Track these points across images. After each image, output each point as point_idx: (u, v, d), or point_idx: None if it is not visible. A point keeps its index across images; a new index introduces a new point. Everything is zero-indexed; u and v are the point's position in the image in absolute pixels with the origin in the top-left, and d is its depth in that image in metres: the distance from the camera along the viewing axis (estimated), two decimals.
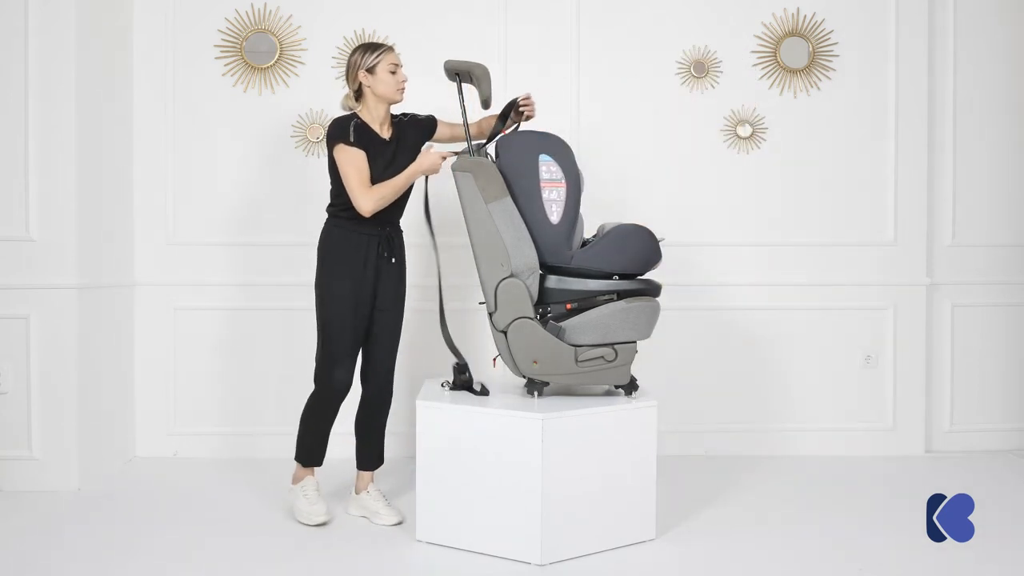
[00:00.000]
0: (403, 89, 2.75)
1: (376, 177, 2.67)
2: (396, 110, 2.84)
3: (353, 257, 2.69)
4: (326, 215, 2.79)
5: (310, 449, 2.80)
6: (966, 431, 3.80)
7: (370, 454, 2.87)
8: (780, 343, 3.70)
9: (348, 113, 2.75)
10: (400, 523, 2.74)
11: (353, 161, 2.62)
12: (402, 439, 3.59)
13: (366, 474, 2.87)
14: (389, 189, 2.64)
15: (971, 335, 3.80)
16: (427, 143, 2.84)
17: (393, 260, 2.77)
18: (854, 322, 3.70)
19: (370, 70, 2.70)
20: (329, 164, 2.73)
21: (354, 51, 2.74)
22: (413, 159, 2.71)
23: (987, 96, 3.77)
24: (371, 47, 2.73)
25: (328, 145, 2.69)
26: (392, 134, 2.76)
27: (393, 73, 2.71)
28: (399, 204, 2.76)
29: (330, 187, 2.77)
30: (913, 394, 3.71)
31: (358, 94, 2.75)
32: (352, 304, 2.69)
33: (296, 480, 2.82)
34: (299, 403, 3.54)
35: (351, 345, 2.72)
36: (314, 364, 2.76)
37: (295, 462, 2.84)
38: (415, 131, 2.84)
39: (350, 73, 2.73)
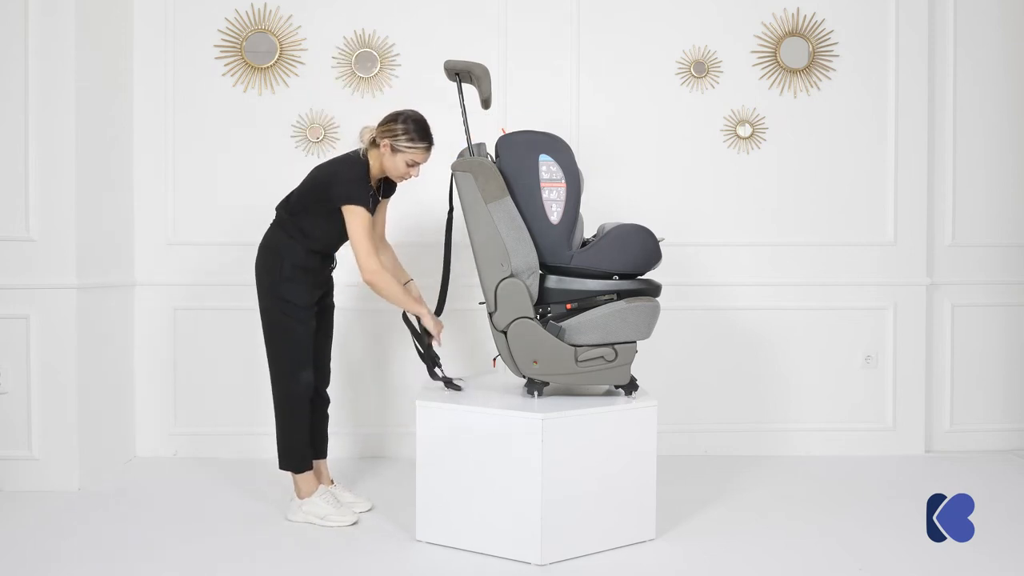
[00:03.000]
0: (404, 181, 2.79)
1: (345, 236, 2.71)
2: None
3: (313, 268, 2.74)
4: (276, 216, 2.77)
5: (301, 452, 2.77)
6: (966, 431, 3.80)
7: (325, 442, 2.94)
8: (780, 343, 3.70)
9: (362, 161, 2.70)
10: (371, 509, 2.86)
11: (364, 222, 2.62)
12: (402, 439, 3.59)
13: (323, 463, 2.92)
14: (393, 290, 2.65)
15: (971, 335, 3.80)
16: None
17: (332, 268, 2.88)
18: (854, 322, 3.70)
19: (395, 149, 2.66)
20: (311, 184, 2.71)
21: (406, 120, 2.66)
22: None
23: (987, 96, 3.77)
24: (420, 134, 2.66)
25: (338, 197, 2.61)
26: (378, 187, 2.82)
27: (409, 166, 2.70)
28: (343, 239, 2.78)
29: (294, 199, 2.74)
30: (913, 394, 3.71)
31: (373, 144, 2.71)
32: (314, 311, 2.77)
33: (305, 493, 2.77)
34: None
35: (311, 348, 2.77)
36: (269, 367, 2.76)
37: (291, 473, 2.79)
38: (387, 191, 2.89)
39: (384, 129, 2.66)
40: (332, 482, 2.93)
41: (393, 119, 2.67)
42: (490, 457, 2.46)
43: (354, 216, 2.61)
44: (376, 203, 2.79)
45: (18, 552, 2.49)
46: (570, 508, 2.43)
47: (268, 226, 2.81)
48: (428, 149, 2.70)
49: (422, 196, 3.46)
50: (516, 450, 2.41)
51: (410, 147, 2.65)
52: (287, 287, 2.69)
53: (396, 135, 2.64)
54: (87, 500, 2.99)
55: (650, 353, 3.33)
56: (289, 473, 2.80)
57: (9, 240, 3.08)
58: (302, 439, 2.77)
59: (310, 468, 2.79)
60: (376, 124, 2.72)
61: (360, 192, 2.63)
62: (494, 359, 2.84)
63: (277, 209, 2.79)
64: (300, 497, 2.78)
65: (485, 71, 2.71)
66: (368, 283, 2.65)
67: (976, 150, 3.77)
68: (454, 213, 2.82)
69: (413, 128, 2.66)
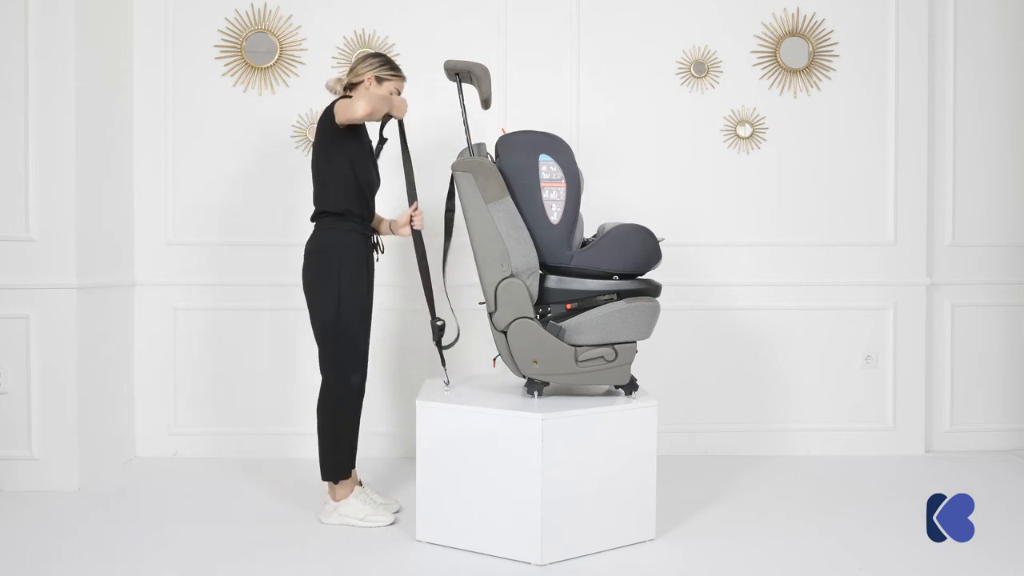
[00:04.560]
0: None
1: (365, 171, 2.72)
2: None
3: (363, 260, 2.72)
4: (316, 222, 2.73)
5: (343, 461, 2.72)
6: (966, 431, 3.80)
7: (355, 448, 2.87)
8: (780, 343, 3.70)
9: None
10: (401, 510, 2.84)
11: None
12: (402, 439, 3.59)
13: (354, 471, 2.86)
14: (379, 99, 2.60)
15: (971, 335, 3.80)
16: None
17: (377, 253, 2.85)
18: (854, 322, 3.70)
19: (380, 79, 2.75)
20: (319, 162, 2.69)
21: (376, 55, 2.79)
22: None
23: (987, 96, 3.77)
24: (393, 65, 2.79)
25: (329, 113, 2.62)
26: None
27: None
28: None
29: (316, 191, 2.72)
30: (913, 394, 3.71)
31: (348, 88, 2.78)
32: (367, 307, 2.73)
33: (341, 496, 2.73)
34: (299, 403, 3.56)
35: (365, 348, 2.73)
36: (321, 373, 2.71)
37: (327, 483, 2.74)
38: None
39: (359, 68, 2.75)
40: (360, 483, 2.85)
41: (366, 57, 2.78)
42: (490, 457, 2.46)
43: (343, 101, 2.61)
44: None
45: (18, 552, 2.50)
46: (570, 508, 2.43)
47: (308, 237, 2.74)
48: (404, 79, 2.83)
49: (426, 198, 3.46)
50: (516, 450, 2.41)
51: (393, 75, 2.77)
52: (349, 288, 2.65)
53: (379, 66, 2.76)
54: (87, 500, 2.99)
55: (650, 353, 3.34)
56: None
57: (9, 240, 3.08)
58: (349, 447, 2.73)
59: (350, 475, 2.76)
60: (345, 73, 2.81)
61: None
62: (494, 359, 2.84)
63: (314, 216, 2.74)
64: (335, 499, 2.74)
65: (485, 71, 2.71)
66: (366, 114, 2.54)
67: (976, 150, 3.77)
68: (455, 214, 2.82)
69: (387, 60, 2.80)
